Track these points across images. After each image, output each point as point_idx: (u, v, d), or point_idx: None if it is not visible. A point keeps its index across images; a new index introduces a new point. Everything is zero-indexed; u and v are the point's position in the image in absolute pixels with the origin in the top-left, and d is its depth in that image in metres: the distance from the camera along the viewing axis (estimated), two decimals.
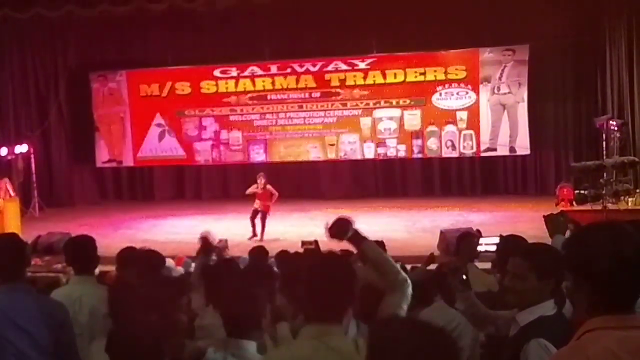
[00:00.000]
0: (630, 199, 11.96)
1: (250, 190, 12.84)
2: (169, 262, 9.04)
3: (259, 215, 12.56)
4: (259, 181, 12.77)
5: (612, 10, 14.19)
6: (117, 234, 13.26)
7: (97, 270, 4.57)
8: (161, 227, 14.38)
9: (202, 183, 18.09)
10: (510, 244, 3.30)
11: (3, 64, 16.71)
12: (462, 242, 3.65)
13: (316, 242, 7.50)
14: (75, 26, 16.17)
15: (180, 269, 8.51)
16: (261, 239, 12.03)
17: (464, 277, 3.24)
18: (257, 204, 12.63)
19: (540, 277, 2.70)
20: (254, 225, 12.55)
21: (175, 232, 13.49)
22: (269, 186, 12.78)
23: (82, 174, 18.14)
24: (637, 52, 13.07)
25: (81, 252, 3.87)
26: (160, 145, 17.54)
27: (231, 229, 13.25)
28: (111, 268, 6.35)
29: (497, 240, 4.43)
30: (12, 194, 13.95)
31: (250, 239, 12.18)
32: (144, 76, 17.47)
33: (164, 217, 15.43)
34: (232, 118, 17.11)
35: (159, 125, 17.49)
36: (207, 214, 15.37)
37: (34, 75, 17.36)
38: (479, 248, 4.24)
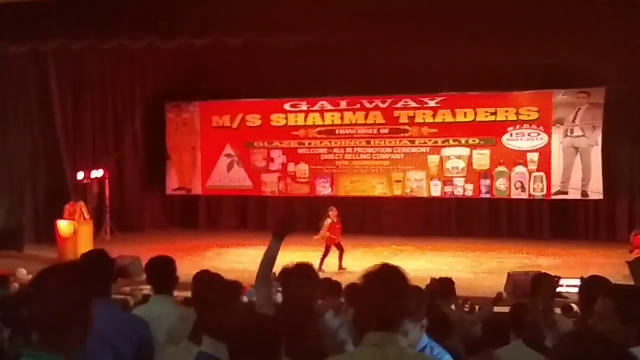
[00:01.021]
0: None
1: (324, 229, 12.67)
2: None
3: (332, 249, 12.65)
4: (331, 214, 12.79)
5: None
6: (184, 260, 13.44)
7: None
8: (226, 255, 14.57)
9: (267, 214, 18.24)
10: (597, 284, 3.22)
11: (85, 91, 17.40)
12: (541, 282, 3.57)
13: None
14: (155, 57, 16.77)
15: (244, 298, 8.61)
16: (340, 268, 12.37)
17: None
18: (329, 238, 12.64)
19: (624, 319, 2.61)
20: (322, 259, 12.50)
21: (239, 261, 13.63)
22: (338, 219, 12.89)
23: (152, 200, 18.62)
24: None
25: (162, 271, 3.97)
26: (228, 175, 17.88)
27: (294, 260, 13.30)
28: (177, 293, 6.49)
29: (576, 282, 4.32)
30: (87, 216, 14.43)
31: (339, 270, 12.26)
32: (217, 107, 17.93)
33: (228, 245, 15.64)
34: (299, 151, 17.32)
35: (228, 155, 17.86)
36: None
37: (112, 102, 18.02)
38: (560, 289, 4.15)
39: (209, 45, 13.73)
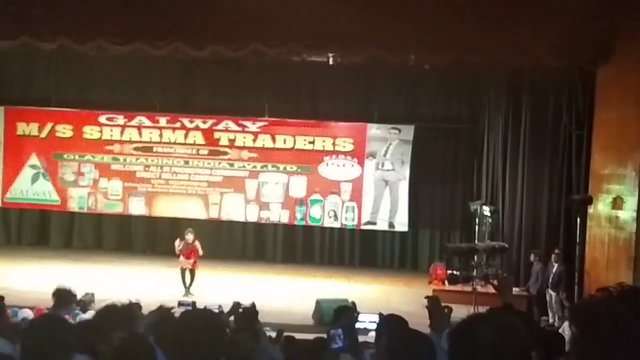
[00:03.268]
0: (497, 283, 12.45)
1: (178, 249, 12.97)
2: (27, 312, 8.43)
3: (187, 273, 12.83)
4: (187, 237, 12.92)
5: (492, 103, 15.11)
6: None
7: None
8: (24, 274, 13.51)
9: (73, 231, 17.23)
10: (387, 323, 3.30)
11: None
12: (342, 315, 3.60)
13: (194, 303, 7.27)
14: None
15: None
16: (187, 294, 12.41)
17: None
18: (183, 262, 12.82)
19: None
20: (185, 283, 12.80)
21: (38, 281, 12.69)
22: (196, 242, 12.99)
23: None
24: (511, 145, 13.90)
25: None
26: (32, 187, 16.61)
27: (101, 282, 12.68)
28: None
29: (376, 317, 4.44)
30: None
31: (184, 296, 12.09)
32: (24, 114, 16.64)
33: (28, 263, 14.56)
34: (113, 167, 16.52)
35: (33, 166, 16.60)
36: (76, 264, 14.66)
37: None
38: (359, 325, 4.22)
39: (18, 47, 12.77)
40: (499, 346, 1.71)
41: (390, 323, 3.23)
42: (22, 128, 16.60)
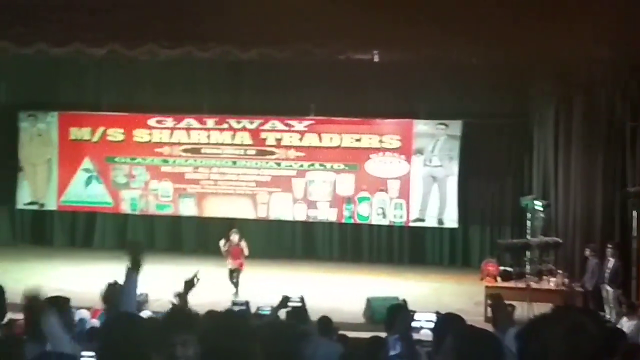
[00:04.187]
0: (552, 279, 12.22)
1: (225, 248, 13.00)
2: (84, 313, 8.61)
3: (234, 273, 12.86)
4: (232, 238, 12.94)
5: (542, 97, 14.81)
6: (32, 280, 12.60)
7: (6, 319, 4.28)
8: (80, 275, 13.79)
9: (127, 233, 17.56)
10: (448, 322, 3.25)
11: None
12: (396, 315, 3.56)
13: (247, 302, 7.32)
14: (9, 63, 15.72)
15: (96, 321, 8.12)
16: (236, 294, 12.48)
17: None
18: (230, 263, 12.86)
19: (459, 358, 2.64)
20: (233, 282, 12.84)
21: (93, 282, 12.93)
22: (242, 242, 12.97)
23: (1, 214, 17.36)
24: (563, 139, 13.61)
25: None
26: (86, 190, 17.02)
27: (154, 282, 12.84)
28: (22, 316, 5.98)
29: (432, 316, 4.40)
30: None
31: (234, 295, 12.32)
32: (76, 119, 17.07)
33: (83, 265, 14.86)
34: (163, 169, 16.81)
35: (86, 170, 17.01)
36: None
37: None
38: (415, 324, 4.19)
39: (69, 54, 13.07)
40: (571, 347, 1.67)
41: (454, 322, 3.18)
42: (75, 133, 17.02)
